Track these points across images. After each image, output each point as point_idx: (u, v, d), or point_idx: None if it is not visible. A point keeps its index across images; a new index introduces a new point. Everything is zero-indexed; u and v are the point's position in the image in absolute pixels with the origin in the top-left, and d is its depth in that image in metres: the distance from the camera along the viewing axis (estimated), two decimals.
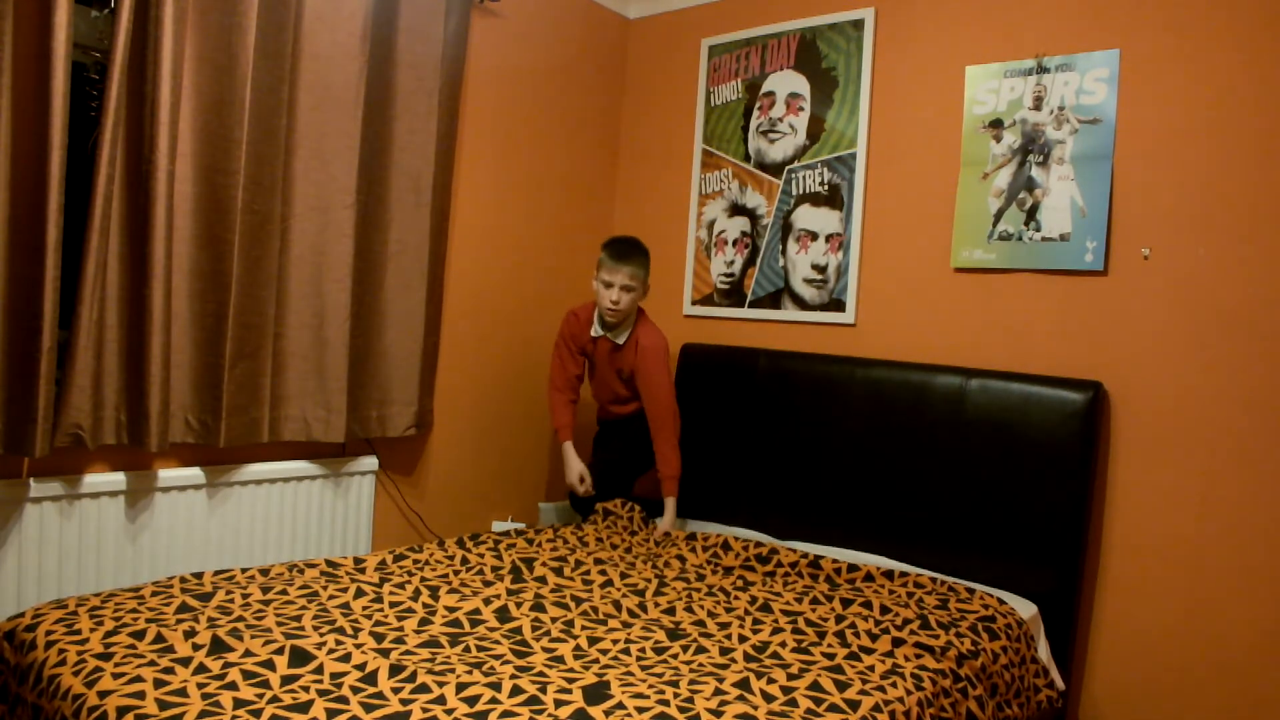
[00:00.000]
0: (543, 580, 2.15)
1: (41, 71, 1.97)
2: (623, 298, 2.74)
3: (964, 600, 2.20)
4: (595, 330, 2.90)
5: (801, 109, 3.10)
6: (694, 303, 3.38)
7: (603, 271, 2.77)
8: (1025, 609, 2.30)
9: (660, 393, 2.79)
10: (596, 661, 1.66)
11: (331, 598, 1.89)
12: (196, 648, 1.56)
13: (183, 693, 1.39)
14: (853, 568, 2.40)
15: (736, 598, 2.13)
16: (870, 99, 2.93)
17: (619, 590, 2.13)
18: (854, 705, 1.55)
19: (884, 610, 2.08)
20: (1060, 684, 2.25)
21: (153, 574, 2.34)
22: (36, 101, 1.98)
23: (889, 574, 2.36)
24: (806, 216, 3.07)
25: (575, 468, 2.90)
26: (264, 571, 2.01)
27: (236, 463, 2.51)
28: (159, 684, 1.41)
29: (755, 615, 2.00)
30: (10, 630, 1.64)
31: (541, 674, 1.58)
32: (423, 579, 2.08)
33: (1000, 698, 1.93)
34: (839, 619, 2.00)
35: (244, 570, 2.00)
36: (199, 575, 1.94)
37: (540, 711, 1.42)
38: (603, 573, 2.26)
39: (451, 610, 1.88)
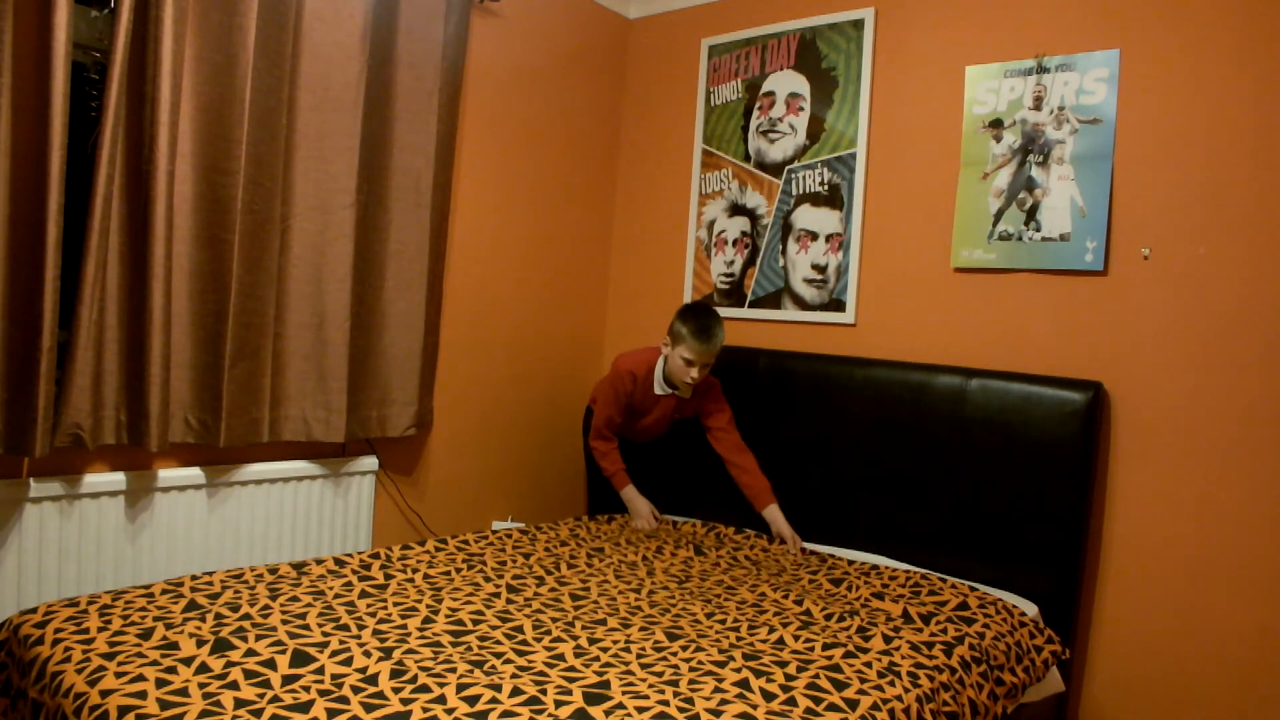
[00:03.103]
0: (541, 580, 2.16)
1: (41, 71, 1.98)
2: (703, 374, 2.71)
3: (937, 591, 2.24)
4: (661, 389, 2.87)
5: (801, 109, 3.10)
6: None
7: (682, 349, 2.66)
8: (1025, 609, 2.30)
9: (730, 413, 2.89)
10: (597, 660, 1.67)
11: (337, 596, 1.89)
12: (200, 644, 1.57)
13: (184, 692, 1.39)
14: (831, 564, 2.45)
15: (728, 597, 2.13)
16: (870, 99, 2.94)
17: (616, 589, 2.13)
18: (853, 704, 1.55)
19: (865, 604, 2.09)
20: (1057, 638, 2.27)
21: (153, 574, 2.34)
22: (36, 101, 1.98)
23: (862, 568, 2.42)
24: (806, 216, 3.07)
25: (647, 508, 2.87)
26: (272, 570, 2.02)
27: (236, 463, 2.51)
28: (161, 683, 1.41)
29: (751, 614, 2.01)
30: (19, 624, 1.65)
31: (542, 673, 1.58)
32: (425, 577, 2.08)
33: (1000, 671, 1.94)
34: (827, 616, 2.01)
35: (253, 569, 2.01)
36: (210, 574, 1.94)
37: (540, 711, 1.42)
38: (599, 571, 2.26)
39: (454, 610, 1.88)
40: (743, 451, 2.85)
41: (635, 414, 2.93)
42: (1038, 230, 2.55)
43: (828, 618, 2.01)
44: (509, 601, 1.98)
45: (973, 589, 2.27)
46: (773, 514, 2.76)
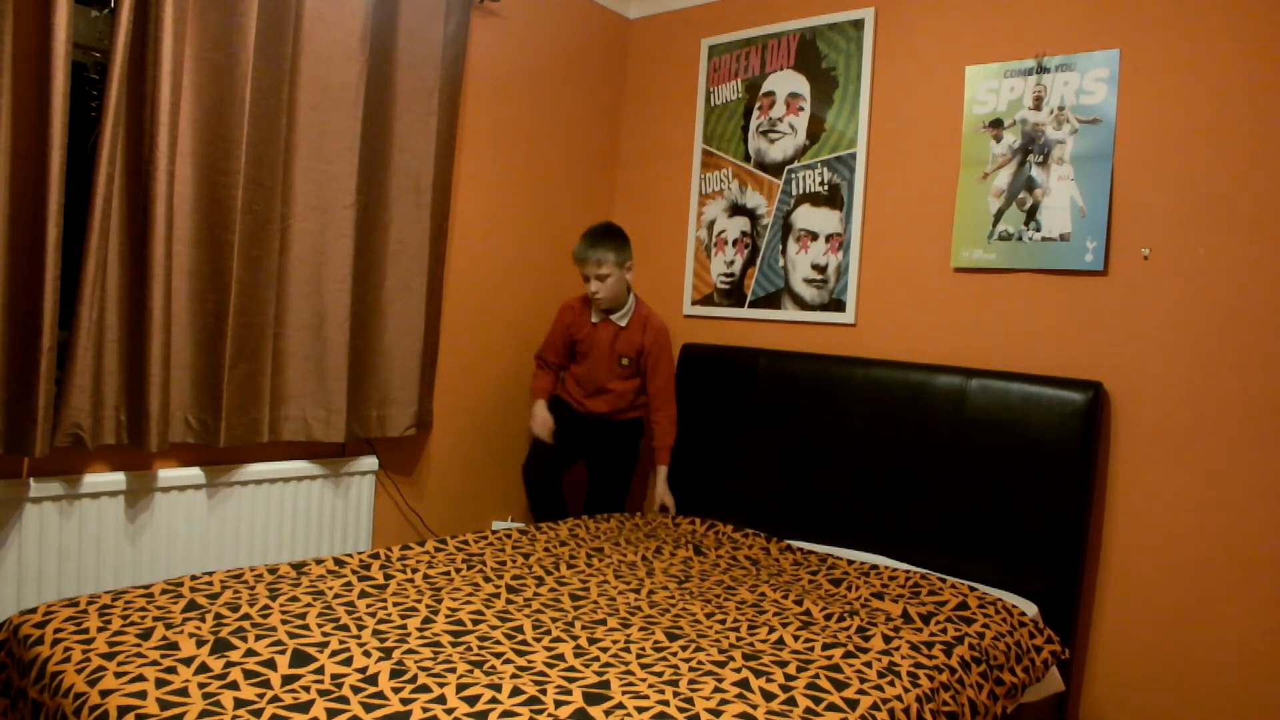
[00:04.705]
0: (541, 580, 2.16)
1: (41, 71, 1.98)
2: (599, 286, 2.85)
3: (936, 590, 2.24)
4: (595, 317, 2.96)
5: (801, 109, 3.10)
6: (694, 303, 3.39)
7: (577, 265, 2.89)
8: (1025, 609, 2.30)
9: (669, 371, 3.02)
10: (597, 660, 1.67)
11: (337, 596, 1.89)
12: (200, 644, 1.57)
13: (184, 692, 1.39)
14: (831, 564, 2.45)
15: (728, 597, 2.13)
16: (870, 99, 2.94)
17: (616, 589, 2.13)
18: (852, 704, 1.55)
19: (865, 604, 2.09)
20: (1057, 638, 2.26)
21: (153, 574, 2.34)
22: (36, 101, 1.98)
23: (862, 568, 2.42)
24: (806, 216, 3.07)
25: (547, 420, 2.98)
26: (272, 570, 2.02)
27: (236, 463, 2.51)
28: (161, 683, 1.41)
29: (751, 614, 2.01)
30: (19, 624, 1.65)
31: (542, 673, 1.58)
32: (425, 577, 2.08)
33: (1000, 671, 1.94)
34: (827, 616, 2.01)
35: (252, 569, 2.01)
36: (210, 574, 1.94)
37: (540, 711, 1.42)
38: (598, 571, 2.26)
39: (454, 610, 1.88)
40: (658, 409, 3.01)
41: (581, 353, 3.02)
42: (1038, 230, 2.55)
43: (827, 618, 2.01)
44: (509, 602, 1.98)
45: (972, 589, 2.27)
46: (658, 474, 3.01)
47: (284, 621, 1.72)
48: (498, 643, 1.72)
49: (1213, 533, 2.27)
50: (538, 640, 1.75)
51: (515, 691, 1.49)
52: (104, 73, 2.11)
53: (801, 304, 3.09)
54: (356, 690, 1.46)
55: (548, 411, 3.00)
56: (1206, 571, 2.28)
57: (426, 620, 1.81)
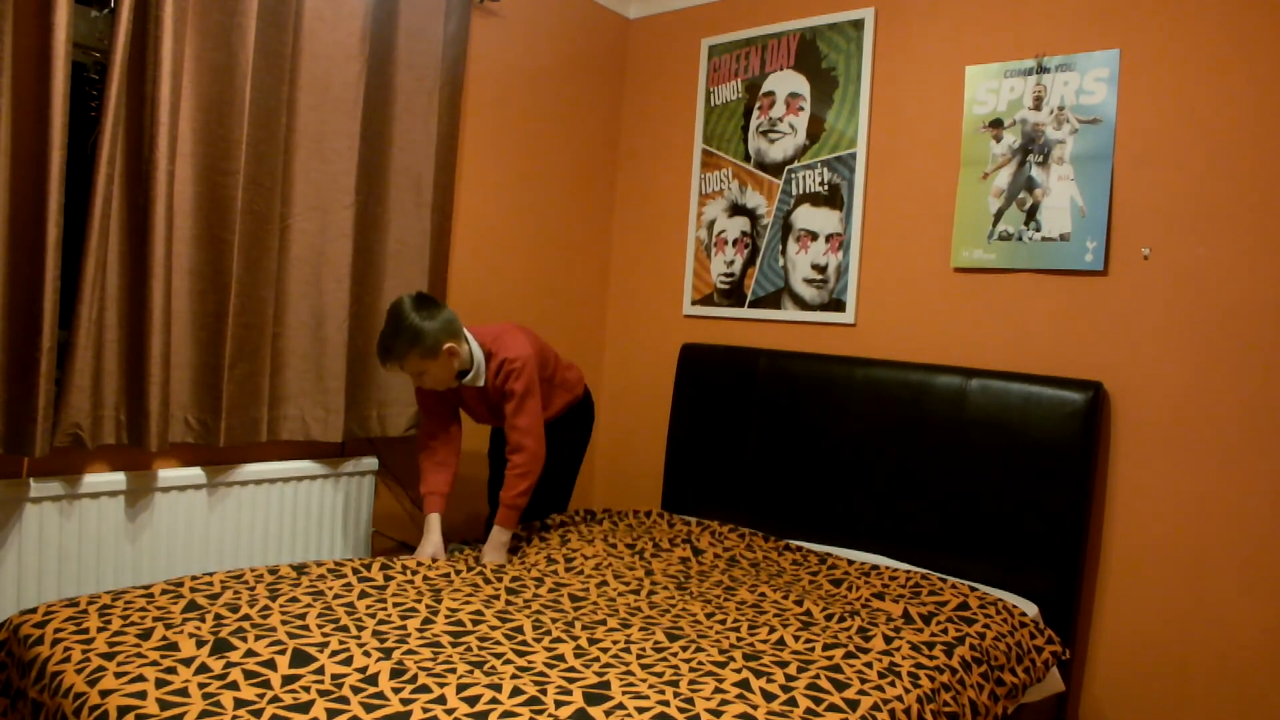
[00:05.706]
0: (540, 580, 2.16)
1: (41, 71, 1.98)
2: (422, 380, 2.38)
3: (937, 591, 2.24)
4: (453, 382, 2.46)
5: (801, 109, 3.10)
6: (694, 303, 3.39)
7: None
8: (1026, 609, 2.30)
9: (533, 404, 2.43)
10: (597, 660, 1.67)
11: (337, 596, 1.89)
12: (200, 645, 1.57)
13: (184, 693, 1.39)
14: (831, 564, 2.45)
15: (728, 597, 2.13)
16: (870, 99, 2.93)
17: (615, 589, 2.13)
18: (853, 705, 1.55)
19: (865, 604, 2.09)
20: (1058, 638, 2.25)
21: (152, 574, 2.34)
22: (36, 101, 1.98)
23: (863, 568, 2.42)
24: (806, 216, 3.07)
25: (428, 547, 2.37)
26: (272, 570, 2.02)
27: (236, 462, 2.51)
28: (161, 684, 1.41)
29: (751, 614, 2.01)
30: (19, 625, 1.65)
31: (542, 674, 1.58)
32: (425, 578, 2.08)
33: (1000, 671, 1.94)
34: (828, 616, 2.01)
35: (253, 570, 2.01)
36: (210, 574, 1.94)
37: (540, 711, 1.42)
38: (598, 572, 2.26)
39: (454, 610, 1.88)
40: (515, 450, 2.41)
41: (463, 408, 2.64)
42: (1038, 230, 2.55)
43: (828, 618, 2.01)
44: (508, 602, 1.98)
45: (973, 589, 2.27)
46: (493, 532, 2.38)
47: (284, 622, 1.72)
48: (498, 643, 1.72)
49: (1213, 532, 2.27)
50: (538, 640, 1.75)
51: (515, 692, 1.49)
52: (104, 73, 2.11)
53: (801, 304, 3.08)
54: (357, 690, 1.46)
55: (439, 536, 2.39)
56: (1206, 571, 2.28)
57: (426, 621, 1.81)
